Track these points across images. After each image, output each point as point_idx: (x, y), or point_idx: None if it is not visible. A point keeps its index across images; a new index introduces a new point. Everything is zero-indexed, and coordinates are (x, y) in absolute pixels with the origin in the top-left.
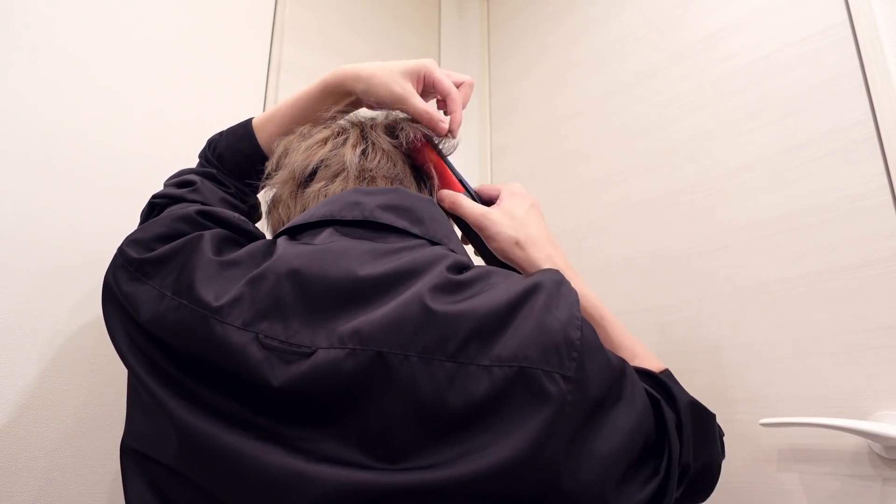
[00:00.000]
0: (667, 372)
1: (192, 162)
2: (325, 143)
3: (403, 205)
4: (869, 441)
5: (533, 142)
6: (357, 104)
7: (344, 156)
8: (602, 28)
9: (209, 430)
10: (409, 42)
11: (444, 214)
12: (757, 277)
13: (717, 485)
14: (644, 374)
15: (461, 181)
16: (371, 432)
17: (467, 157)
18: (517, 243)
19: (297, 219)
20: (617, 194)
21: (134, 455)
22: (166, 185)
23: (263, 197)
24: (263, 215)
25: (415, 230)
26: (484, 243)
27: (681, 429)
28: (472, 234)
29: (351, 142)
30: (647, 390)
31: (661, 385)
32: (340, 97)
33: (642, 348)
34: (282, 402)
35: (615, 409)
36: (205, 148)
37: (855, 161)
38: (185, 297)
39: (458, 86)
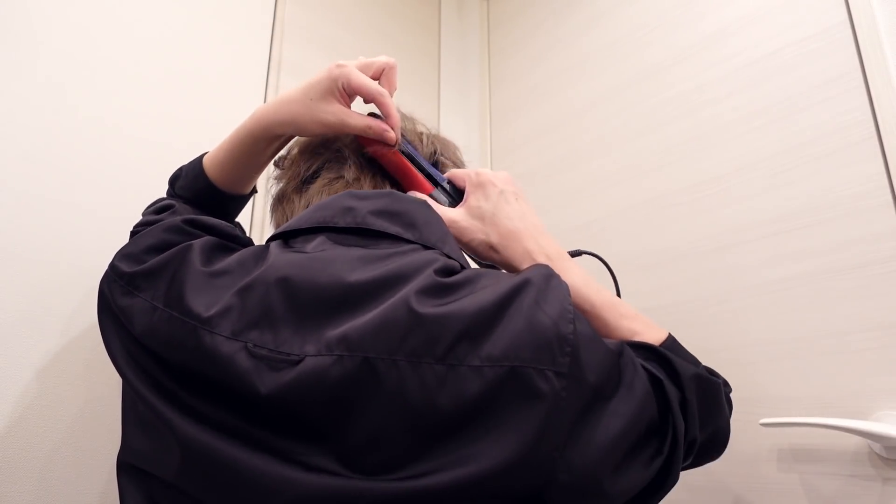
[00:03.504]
0: (669, 340)
1: None
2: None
3: (396, 209)
4: (869, 441)
5: (533, 142)
6: (292, 137)
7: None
8: (602, 28)
9: (210, 442)
10: (409, 42)
11: (440, 217)
12: (757, 277)
13: (718, 485)
14: (644, 349)
15: (429, 174)
16: (362, 441)
17: (467, 158)
18: (491, 247)
19: (291, 223)
20: (617, 194)
21: (131, 471)
22: (144, 213)
23: (269, 193)
24: (269, 212)
25: (407, 235)
26: None
27: (685, 406)
28: None
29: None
30: (648, 371)
31: (663, 360)
32: (271, 141)
33: (641, 322)
34: (272, 412)
35: (615, 397)
36: (168, 187)
37: (855, 161)
38: (175, 309)
39: (379, 76)
